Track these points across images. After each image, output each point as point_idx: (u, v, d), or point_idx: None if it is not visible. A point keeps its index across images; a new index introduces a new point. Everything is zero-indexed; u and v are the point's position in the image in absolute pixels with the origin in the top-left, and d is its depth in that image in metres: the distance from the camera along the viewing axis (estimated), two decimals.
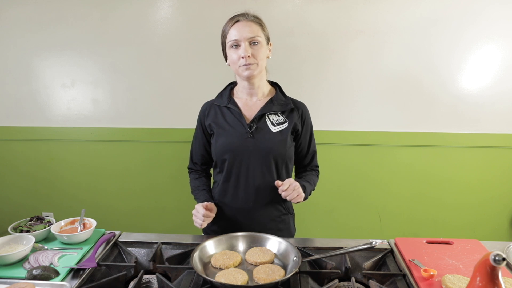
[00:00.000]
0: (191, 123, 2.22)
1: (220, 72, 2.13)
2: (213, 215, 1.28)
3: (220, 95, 1.39)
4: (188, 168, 1.49)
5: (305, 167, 1.44)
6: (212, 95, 1.43)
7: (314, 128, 1.45)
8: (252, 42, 1.23)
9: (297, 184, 1.21)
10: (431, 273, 1.01)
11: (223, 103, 1.34)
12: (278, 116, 1.32)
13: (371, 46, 2.08)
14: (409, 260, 1.10)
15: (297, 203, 1.26)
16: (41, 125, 2.32)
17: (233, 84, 1.41)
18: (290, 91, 1.43)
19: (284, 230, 1.40)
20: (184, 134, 2.25)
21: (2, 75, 2.26)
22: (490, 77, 2.09)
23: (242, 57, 1.22)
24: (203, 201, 1.31)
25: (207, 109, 1.38)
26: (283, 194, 1.20)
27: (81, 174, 2.39)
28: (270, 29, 1.30)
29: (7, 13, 2.15)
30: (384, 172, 2.28)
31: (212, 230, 1.41)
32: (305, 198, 1.29)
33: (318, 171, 1.46)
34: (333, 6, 2.04)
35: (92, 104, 2.27)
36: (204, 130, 1.39)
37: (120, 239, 1.27)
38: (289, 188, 1.19)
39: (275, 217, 1.37)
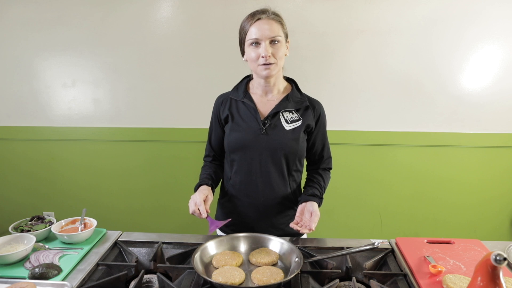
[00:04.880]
0: (191, 123, 2.25)
1: (220, 72, 2.14)
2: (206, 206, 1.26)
3: (236, 88, 1.38)
4: (204, 158, 1.48)
5: (318, 164, 1.42)
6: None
7: None
8: (273, 41, 1.21)
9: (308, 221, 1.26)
10: (439, 269, 1.01)
11: (239, 97, 1.33)
12: (293, 113, 1.31)
13: (372, 46, 2.08)
14: (424, 257, 1.11)
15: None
16: (42, 125, 2.32)
17: (249, 78, 1.39)
18: None
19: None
20: (184, 134, 2.25)
21: (4, 75, 2.26)
22: (491, 76, 2.09)
23: (262, 57, 1.20)
24: (200, 182, 1.33)
25: (223, 102, 1.37)
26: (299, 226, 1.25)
27: (81, 173, 2.39)
28: None
29: (9, 13, 2.15)
30: (385, 172, 2.27)
31: (225, 224, 1.41)
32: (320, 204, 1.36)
33: (329, 171, 1.45)
34: (334, 6, 2.04)
35: (92, 103, 2.27)
36: (220, 123, 1.38)
37: (120, 239, 1.27)
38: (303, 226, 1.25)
39: (287, 210, 1.38)
